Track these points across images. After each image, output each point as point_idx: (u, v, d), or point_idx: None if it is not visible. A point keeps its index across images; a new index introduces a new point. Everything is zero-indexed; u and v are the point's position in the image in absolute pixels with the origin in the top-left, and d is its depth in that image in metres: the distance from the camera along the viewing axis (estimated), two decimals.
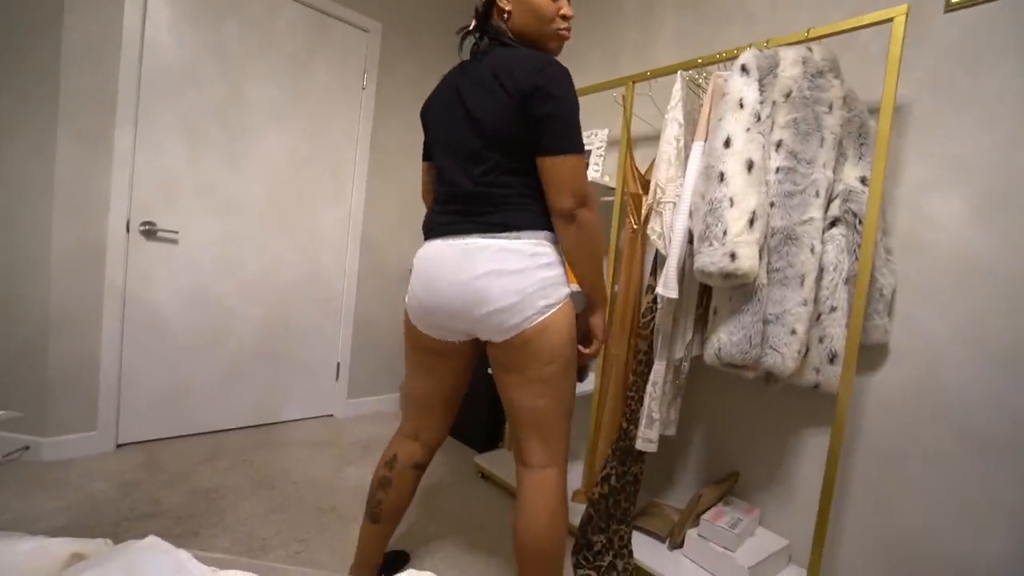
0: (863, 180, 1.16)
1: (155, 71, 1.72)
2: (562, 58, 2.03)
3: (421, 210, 2.51)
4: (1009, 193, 1.08)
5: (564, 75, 0.84)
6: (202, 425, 1.94)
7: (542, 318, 0.85)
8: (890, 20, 1.04)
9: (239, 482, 1.60)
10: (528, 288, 0.84)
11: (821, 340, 1.18)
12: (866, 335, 1.19)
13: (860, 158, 1.17)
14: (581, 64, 2.04)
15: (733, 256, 1.04)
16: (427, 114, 1.01)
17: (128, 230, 1.71)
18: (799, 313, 1.12)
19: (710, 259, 1.06)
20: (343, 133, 2.20)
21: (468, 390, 1.12)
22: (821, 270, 1.16)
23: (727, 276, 1.06)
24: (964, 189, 1.14)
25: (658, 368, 1.30)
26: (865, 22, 1.07)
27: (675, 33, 1.72)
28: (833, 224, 1.17)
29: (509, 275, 0.84)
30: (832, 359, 1.17)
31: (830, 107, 1.13)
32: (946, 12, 1.12)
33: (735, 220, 1.05)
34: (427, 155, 1.06)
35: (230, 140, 1.90)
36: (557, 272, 0.88)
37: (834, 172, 1.15)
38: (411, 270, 0.99)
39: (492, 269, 0.84)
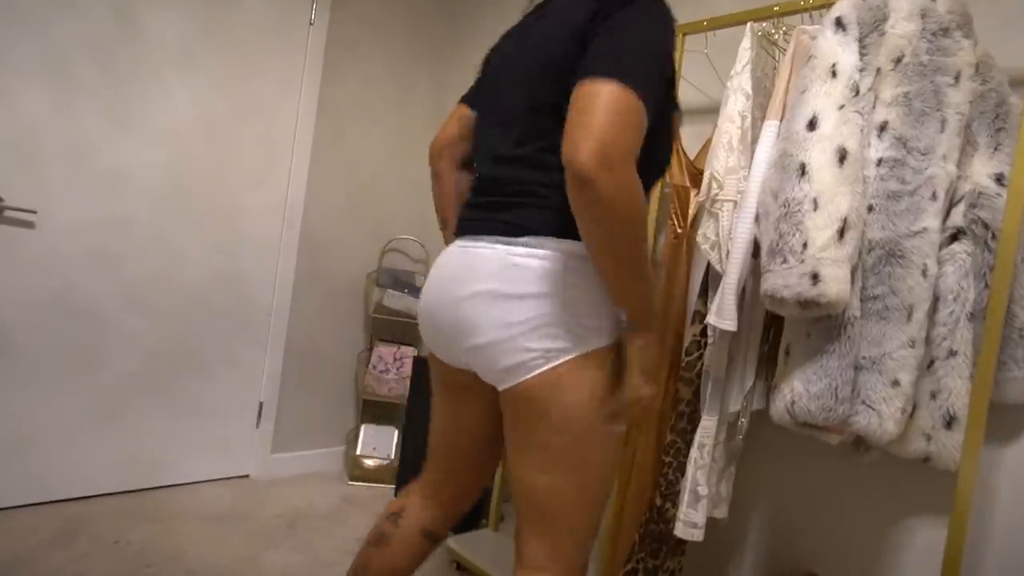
0: (999, 179, 1.16)
1: None
2: None
3: (380, 194, 2.52)
4: None
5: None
6: (54, 490, 1.89)
7: (549, 366, 0.83)
8: None
9: (106, 572, 1.55)
10: (526, 321, 0.82)
11: (934, 396, 1.19)
12: (999, 390, 1.19)
13: (996, 148, 1.18)
14: None
15: (815, 278, 1.05)
16: (486, 63, 1.07)
17: None
18: (904, 358, 1.13)
19: (784, 281, 1.08)
20: (280, 85, 2.21)
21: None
22: (936, 300, 1.17)
23: (806, 304, 1.07)
24: None
25: (707, 425, 1.32)
26: None
27: None
28: (955, 238, 1.18)
29: (504, 300, 0.83)
30: (950, 422, 1.17)
31: (957, 77, 1.14)
32: None
33: (820, 229, 1.07)
34: (467, 98, 1.12)
35: (115, 87, 1.89)
36: (588, 304, 0.84)
37: (958, 167, 1.16)
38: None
39: (487, 289, 0.85)
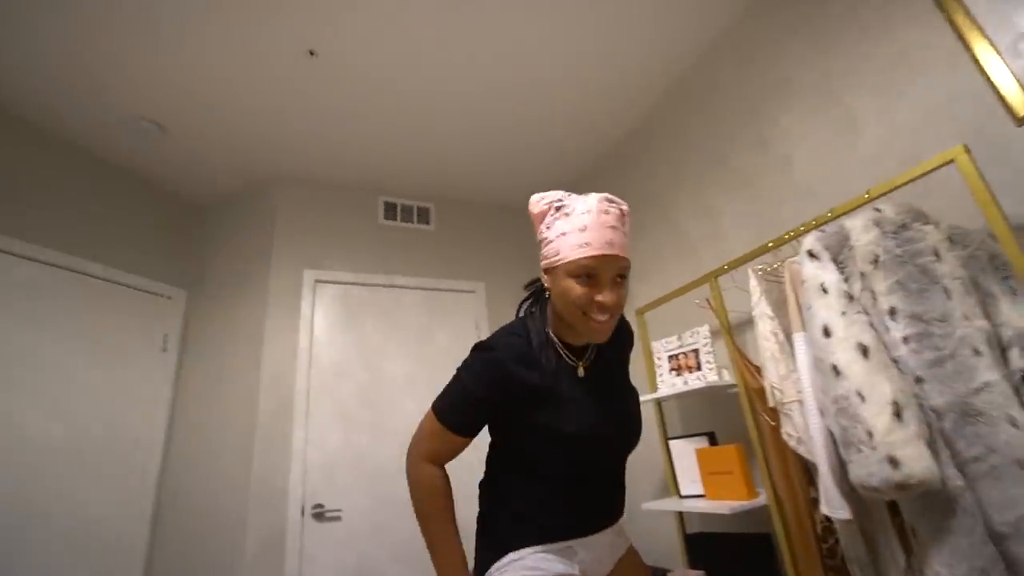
0: None
1: (317, 373, 2.52)
2: (643, 271, 2.38)
3: None
4: None
5: (472, 353, 1.06)
6: None
7: None
8: (950, 162, 1.10)
9: None
10: None
11: None
12: None
13: (1015, 294, 1.10)
14: (663, 271, 2.30)
15: (894, 462, 0.99)
16: None
17: (303, 514, 2.25)
18: None
19: (866, 470, 1.03)
20: None
21: None
22: None
23: (901, 487, 0.99)
24: None
25: None
26: (922, 171, 1.15)
27: (735, 216, 1.92)
28: None
29: None
30: None
31: (936, 253, 1.13)
32: (1019, 126, 1.14)
33: (876, 416, 1.03)
34: None
35: (371, 414, 2.54)
36: None
37: (988, 319, 1.09)
38: None
39: None
